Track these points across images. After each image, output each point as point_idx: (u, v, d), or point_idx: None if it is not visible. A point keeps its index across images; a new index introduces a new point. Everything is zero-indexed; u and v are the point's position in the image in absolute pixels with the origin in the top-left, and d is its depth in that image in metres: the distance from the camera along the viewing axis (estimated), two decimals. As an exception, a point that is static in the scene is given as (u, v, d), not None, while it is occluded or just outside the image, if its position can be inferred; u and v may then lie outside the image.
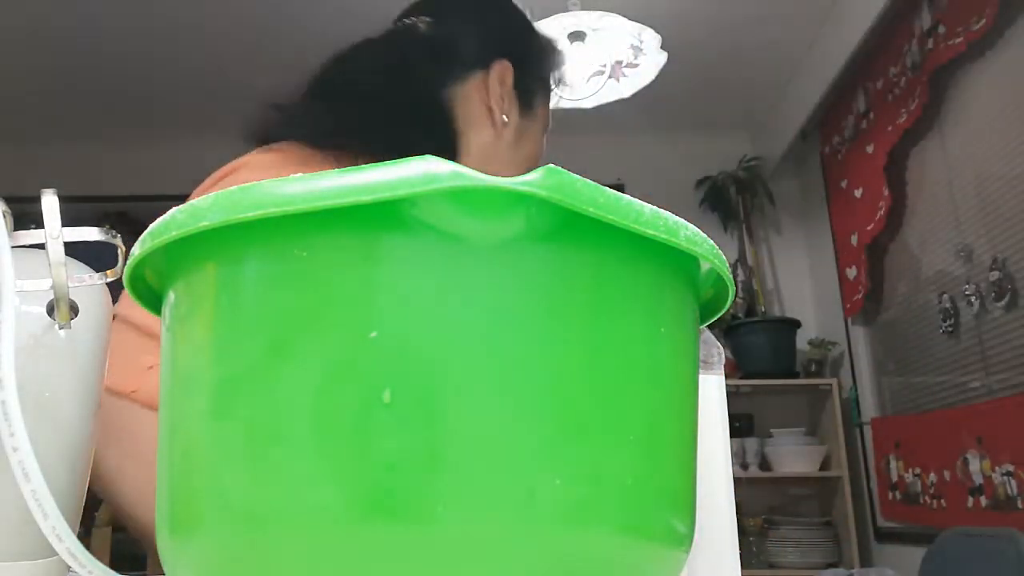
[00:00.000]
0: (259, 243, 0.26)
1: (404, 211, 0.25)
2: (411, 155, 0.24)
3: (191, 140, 3.39)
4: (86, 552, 0.29)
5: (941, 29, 2.32)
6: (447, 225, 0.25)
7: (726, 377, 0.44)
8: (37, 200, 0.36)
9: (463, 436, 0.24)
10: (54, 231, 0.36)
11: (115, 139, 3.42)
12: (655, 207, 0.27)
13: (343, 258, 0.25)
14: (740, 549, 0.42)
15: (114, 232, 0.40)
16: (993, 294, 2.15)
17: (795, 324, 3.15)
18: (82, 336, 0.41)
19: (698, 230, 0.29)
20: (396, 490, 0.24)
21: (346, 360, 0.25)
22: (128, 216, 3.47)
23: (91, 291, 0.41)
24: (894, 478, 2.67)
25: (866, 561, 2.87)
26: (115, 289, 0.40)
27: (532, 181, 0.24)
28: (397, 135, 0.81)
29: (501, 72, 0.90)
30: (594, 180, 0.25)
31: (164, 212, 0.27)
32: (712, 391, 0.43)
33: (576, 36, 2.07)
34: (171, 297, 0.29)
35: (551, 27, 2.01)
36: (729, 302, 0.33)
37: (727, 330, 3.14)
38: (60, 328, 0.38)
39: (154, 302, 0.32)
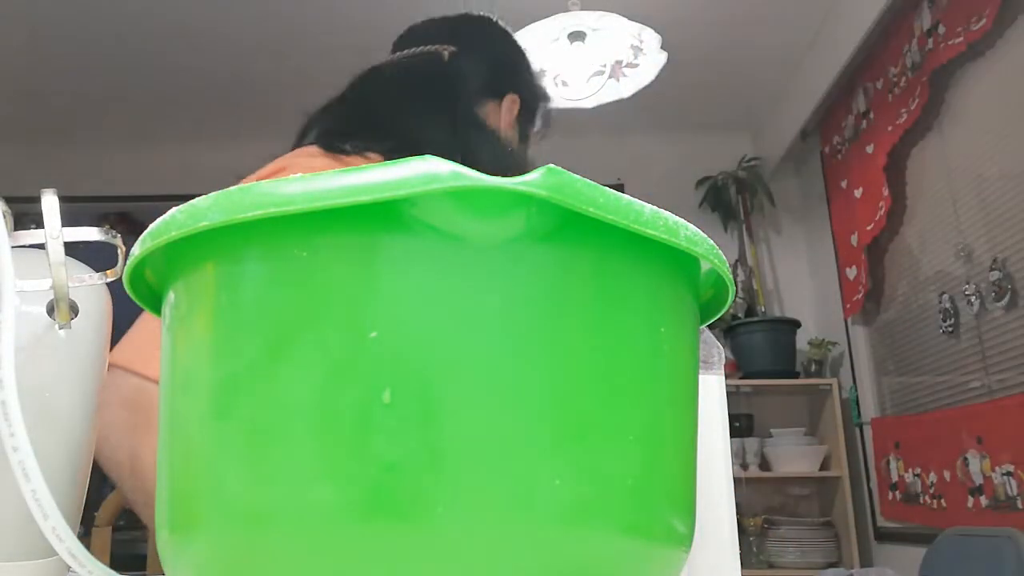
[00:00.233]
0: (259, 243, 0.26)
1: (404, 211, 0.25)
2: None
3: (191, 141, 3.39)
4: (86, 552, 0.29)
5: (941, 29, 2.32)
6: (447, 225, 0.25)
7: (726, 377, 0.44)
8: (37, 200, 0.36)
9: (463, 436, 0.24)
10: (54, 231, 0.36)
11: (116, 139, 3.42)
12: (655, 207, 0.27)
13: (343, 258, 0.25)
14: (740, 549, 0.42)
15: (114, 232, 0.40)
16: (993, 294, 2.15)
17: (795, 324, 3.15)
18: (82, 336, 0.41)
19: (698, 230, 0.29)
20: (396, 490, 0.24)
21: (346, 360, 0.25)
22: (128, 216, 3.47)
23: (91, 291, 0.41)
24: (894, 478, 2.67)
25: (866, 561, 2.87)
26: (115, 289, 0.40)
27: (532, 181, 0.24)
28: (424, 147, 0.85)
29: (511, 103, 1.02)
30: (594, 180, 0.25)
31: (164, 212, 0.27)
32: (712, 391, 0.43)
33: (576, 36, 2.07)
34: (171, 297, 0.29)
35: (551, 27, 2.01)
36: (729, 302, 0.33)
37: (727, 330, 3.14)
38: (60, 328, 0.38)
39: (154, 302, 0.32)
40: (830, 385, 3.00)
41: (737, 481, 0.42)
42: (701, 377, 0.34)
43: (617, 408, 0.27)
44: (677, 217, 0.28)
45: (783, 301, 3.42)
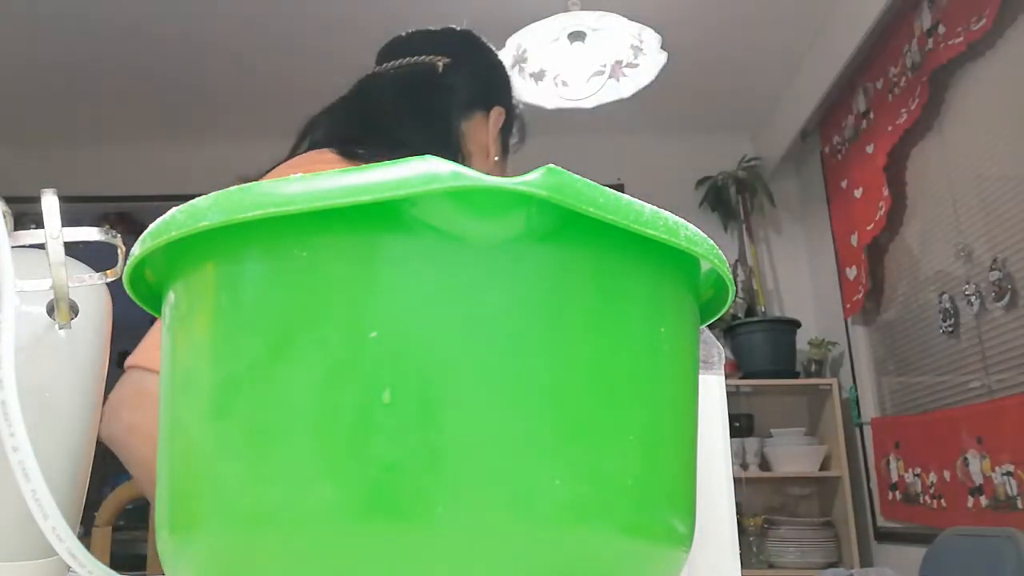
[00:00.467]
0: (259, 243, 0.26)
1: (404, 211, 0.25)
2: None
3: (191, 141, 3.39)
4: (86, 552, 0.29)
5: (941, 29, 2.32)
6: (447, 225, 0.25)
7: (726, 377, 0.44)
8: (37, 200, 0.36)
9: (463, 436, 0.24)
10: (54, 231, 0.36)
11: (116, 139, 3.42)
12: (655, 207, 0.27)
13: (343, 258, 0.25)
14: (740, 549, 0.42)
15: (114, 232, 0.40)
16: (993, 294, 2.15)
17: (795, 324, 3.15)
18: (82, 336, 0.41)
19: (698, 230, 0.29)
20: (396, 490, 0.24)
21: (346, 360, 0.25)
22: (128, 216, 3.47)
23: (91, 291, 0.41)
24: (894, 478, 2.67)
25: (866, 561, 2.87)
26: (115, 289, 0.40)
27: (532, 181, 0.24)
28: (418, 151, 0.88)
29: (497, 116, 1.05)
30: (594, 180, 0.25)
31: (164, 212, 0.27)
32: (712, 391, 0.43)
33: (576, 36, 2.07)
34: (171, 297, 0.29)
35: (551, 27, 2.01)
36: (729, 302, 0.33)
37: (727, 330, 3.14)
38: (60, 328, 0.38)
39: (154, 302, 0.32)
40: (830, 385, 3.00)
41: (737, 481, 0.42)
42: (701, 377, 0.34)
43: (617, 408, 0.27)
44: (677, 217, 0.28)
45: (783, 301, 3.42)
